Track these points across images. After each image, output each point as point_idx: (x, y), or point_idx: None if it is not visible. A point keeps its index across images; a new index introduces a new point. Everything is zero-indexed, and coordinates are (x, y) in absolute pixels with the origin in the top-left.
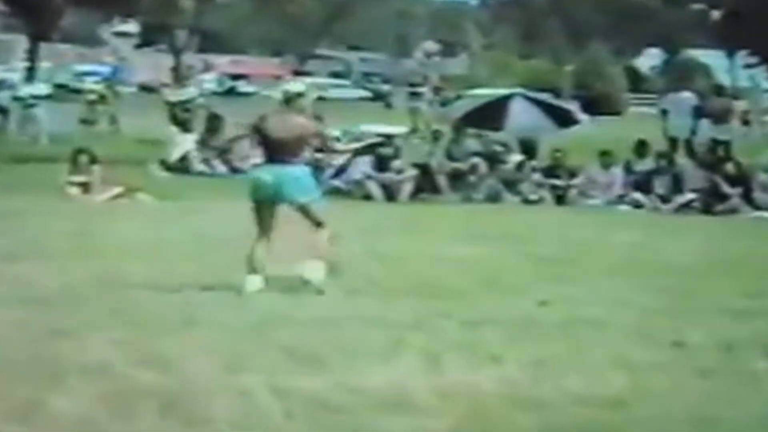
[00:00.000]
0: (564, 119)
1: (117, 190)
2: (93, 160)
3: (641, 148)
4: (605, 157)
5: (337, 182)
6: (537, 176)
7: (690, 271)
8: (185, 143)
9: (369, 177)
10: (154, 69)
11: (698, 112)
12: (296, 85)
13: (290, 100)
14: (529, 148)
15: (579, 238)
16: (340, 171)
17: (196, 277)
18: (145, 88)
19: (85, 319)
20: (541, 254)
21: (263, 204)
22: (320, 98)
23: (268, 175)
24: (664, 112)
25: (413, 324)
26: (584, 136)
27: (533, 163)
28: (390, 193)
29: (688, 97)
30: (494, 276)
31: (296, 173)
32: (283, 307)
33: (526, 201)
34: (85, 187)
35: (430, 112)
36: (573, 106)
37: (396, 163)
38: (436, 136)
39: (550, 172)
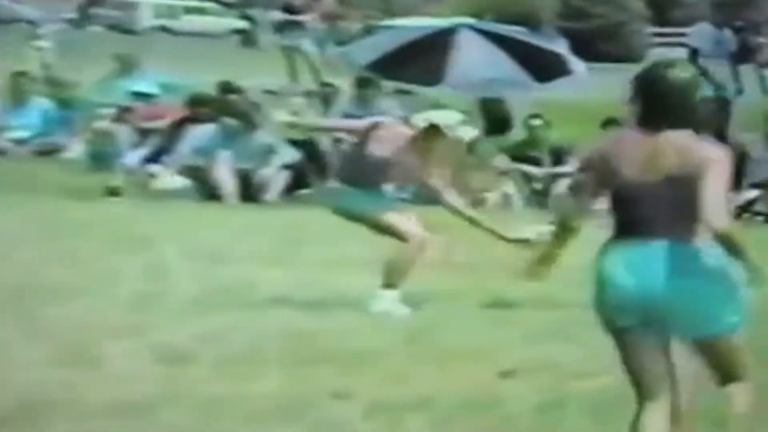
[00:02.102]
0: (545, 68)
1: None
2: None
3: None
4: (612, 129)
5: (154, 167)
6: (501, 160)
7: None
8: None
9: (214, 160)
10: None
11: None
12: None
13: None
14: (492, 114)
15: None
16: (162, 150)
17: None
18: None
19: None
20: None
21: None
22: (164, 29)
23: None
24: (694, 54)
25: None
26: (579, 96)
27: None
28: (250, 190)
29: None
30: (423, 328)
31: None
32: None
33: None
34: None
35: (320, 55)
36: (560, 47)
37: (258, 139)
38: (328, 93)
39: (522, 153)
